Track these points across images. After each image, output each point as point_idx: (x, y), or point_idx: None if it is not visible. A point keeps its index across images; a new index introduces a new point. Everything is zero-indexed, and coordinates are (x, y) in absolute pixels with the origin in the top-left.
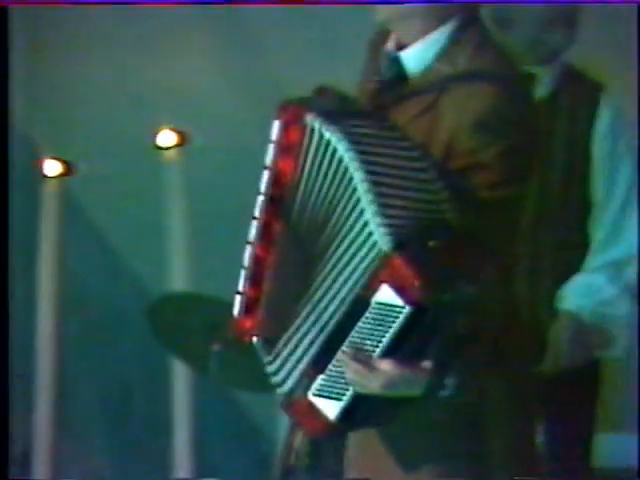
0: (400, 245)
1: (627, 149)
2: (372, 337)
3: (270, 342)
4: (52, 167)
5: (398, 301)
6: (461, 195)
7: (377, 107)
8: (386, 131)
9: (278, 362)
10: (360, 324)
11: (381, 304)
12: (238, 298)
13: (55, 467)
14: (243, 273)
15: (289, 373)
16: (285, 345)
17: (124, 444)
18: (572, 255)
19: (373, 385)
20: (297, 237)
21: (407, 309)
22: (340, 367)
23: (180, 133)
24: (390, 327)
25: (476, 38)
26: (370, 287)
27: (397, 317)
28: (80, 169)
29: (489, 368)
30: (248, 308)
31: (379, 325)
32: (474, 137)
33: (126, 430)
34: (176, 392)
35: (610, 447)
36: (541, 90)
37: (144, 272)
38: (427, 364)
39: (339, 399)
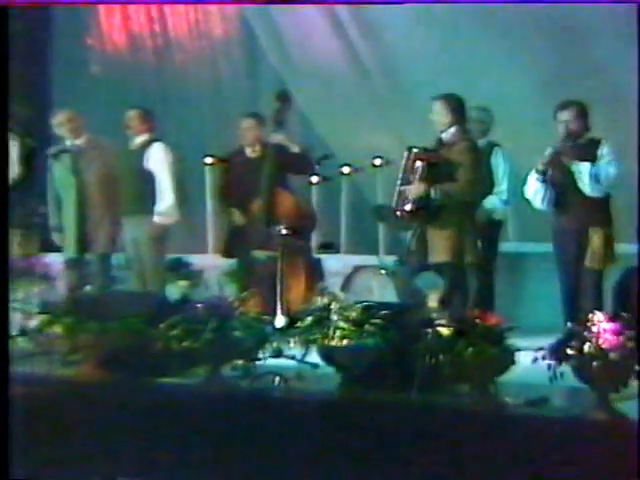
0: None
1: (504, 161)
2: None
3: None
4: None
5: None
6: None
7: (438, 149)
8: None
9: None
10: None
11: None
12: (395, 197)
13: None
14: (395, 197)
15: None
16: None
17: None
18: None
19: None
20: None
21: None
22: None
23: (384, 160)
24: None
25: (465, 130)
26: None
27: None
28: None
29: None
30: (397, 206)
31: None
32: (463, 157)
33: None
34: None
35: None
36: (480, 145)
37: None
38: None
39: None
